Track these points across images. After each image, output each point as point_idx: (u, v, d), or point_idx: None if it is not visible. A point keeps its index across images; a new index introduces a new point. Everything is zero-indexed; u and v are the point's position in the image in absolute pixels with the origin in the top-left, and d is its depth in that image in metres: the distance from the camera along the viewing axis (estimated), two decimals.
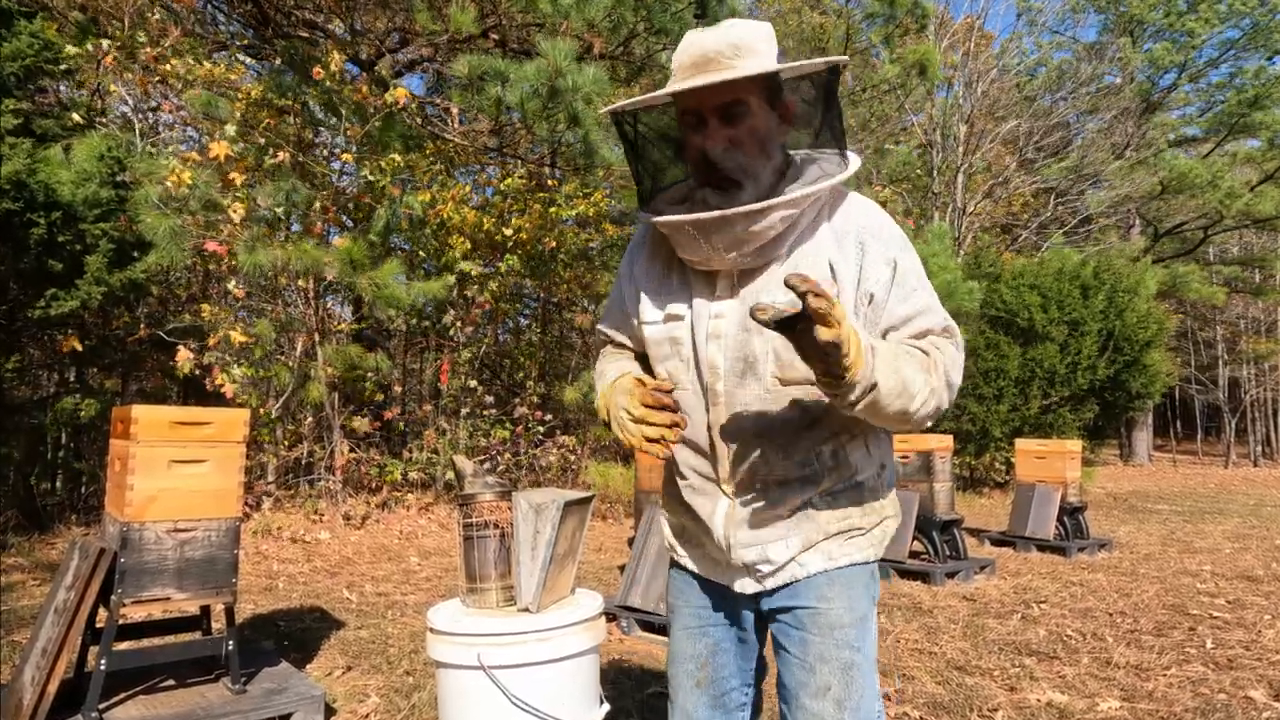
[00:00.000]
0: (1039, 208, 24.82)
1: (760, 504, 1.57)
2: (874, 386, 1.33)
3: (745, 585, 1.64)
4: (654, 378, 1.67)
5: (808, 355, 1.29)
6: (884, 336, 1.52)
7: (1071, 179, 23.05)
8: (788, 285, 1.18)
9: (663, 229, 1.57)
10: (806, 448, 1.55)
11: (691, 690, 1.72)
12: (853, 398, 1.33)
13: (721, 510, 1.60)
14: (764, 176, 1.49)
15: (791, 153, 1.60)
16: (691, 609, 1.75)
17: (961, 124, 20.56)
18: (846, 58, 1.55)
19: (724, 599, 1.72)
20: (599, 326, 1.87)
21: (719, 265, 1.54)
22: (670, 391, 1.48)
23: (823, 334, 1.21)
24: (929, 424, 1.52)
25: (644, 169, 1.66)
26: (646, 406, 1.46)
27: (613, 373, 1.68)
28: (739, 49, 1.44)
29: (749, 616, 1.72)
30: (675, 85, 1.45)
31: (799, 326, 1.24)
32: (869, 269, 1.51)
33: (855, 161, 1.53)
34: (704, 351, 1.56)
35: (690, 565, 1.75)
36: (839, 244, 1.53)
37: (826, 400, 1.47)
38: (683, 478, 1.66)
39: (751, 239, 1.48)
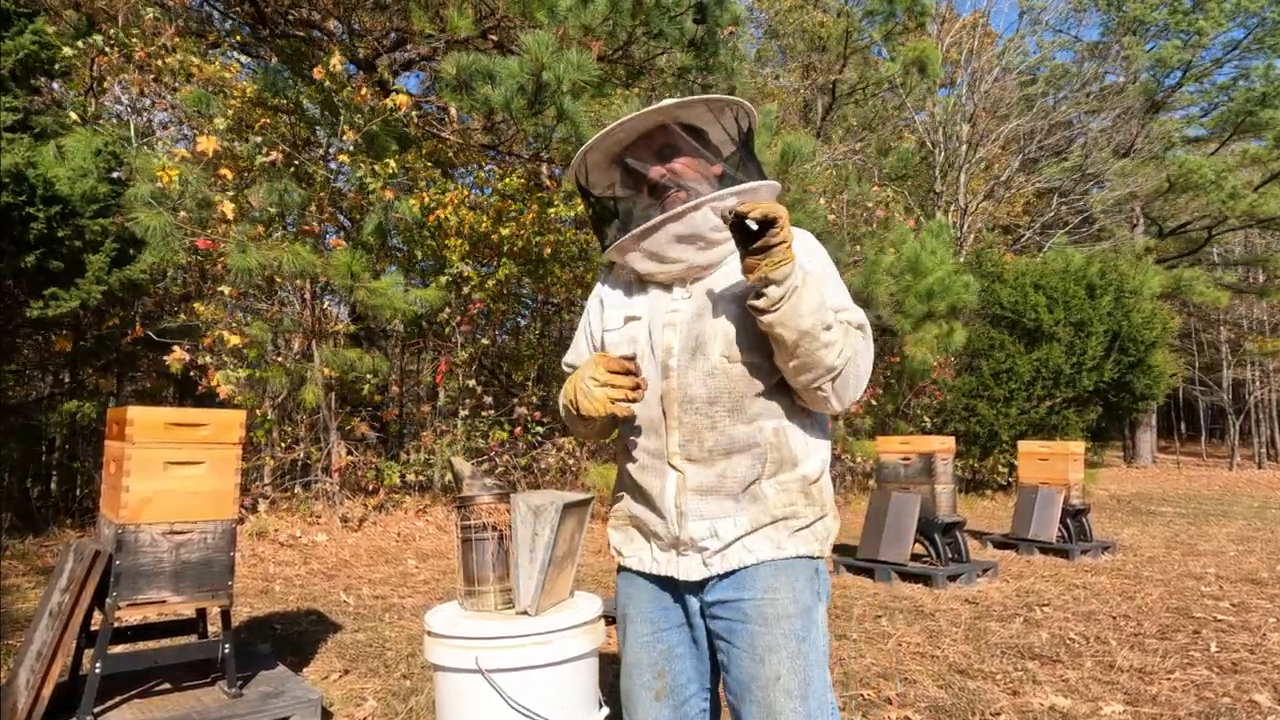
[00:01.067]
0: (1041, 208, 24.82)
1: (707, 475, 1.69)
2: (796, 289, 1.53)
3: (692, 569, 1.71)
4: None
5: (752, 249, 1.50)
6: None
7: (1074, 179, 23.06)
8: (723, 216, 1.52)
9: (616, 253, 1.82)
10: (751, 419, 1.69)
11: (650, 704, 1.75)
12: (778, 292, 1.52)
13: (671, 482, 1.71)
14: (700, 189, 1.74)
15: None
16: (643, 616, 1.80)
17: (964, 123, 20.57)
18: (750, 107, 1.82)
19: (673, 597, 1.78)
20: (565, 361, 2.04)
21: (676, 273, 1.78)
22: (633, 358, 1.69)
23: (762, 210, 1.46)
24: (832, 402, 1.67)
25: (604, 221, 1.92)
26: (610, 372, 1.65)
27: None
28: (662, 106, 1.75)
29: (697, 611, 1.76)
30: (615, 124, 1.77)
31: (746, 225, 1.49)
32: None
33: (774, 182, 1.80)
34: (659, 336, 1.76)
35: (636, 565, 1.82)
36: None
37: (769, 381, 1.71)
38: (633, 460, 1.79)
39: (692, 239, 1.71)
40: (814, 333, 1.56)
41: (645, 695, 1.75)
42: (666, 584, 1.78)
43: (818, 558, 1.73)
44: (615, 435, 1.93)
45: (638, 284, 1.89)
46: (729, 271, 1.76)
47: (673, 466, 1.71)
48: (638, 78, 9.26)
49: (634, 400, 1.65)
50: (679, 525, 1.69)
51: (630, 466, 1.80)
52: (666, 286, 1.83)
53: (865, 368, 1.69)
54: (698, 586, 1.73)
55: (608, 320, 1.89)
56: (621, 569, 1.88)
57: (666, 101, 1.76)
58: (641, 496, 1.78)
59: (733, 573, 1.68)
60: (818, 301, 1.57)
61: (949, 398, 13.39)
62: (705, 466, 1.69)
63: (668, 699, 1.74)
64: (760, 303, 1.55)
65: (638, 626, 1.81)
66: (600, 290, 2.00)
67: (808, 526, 1.71)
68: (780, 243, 1.50)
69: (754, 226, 1.48)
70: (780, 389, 1.72)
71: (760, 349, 1.68)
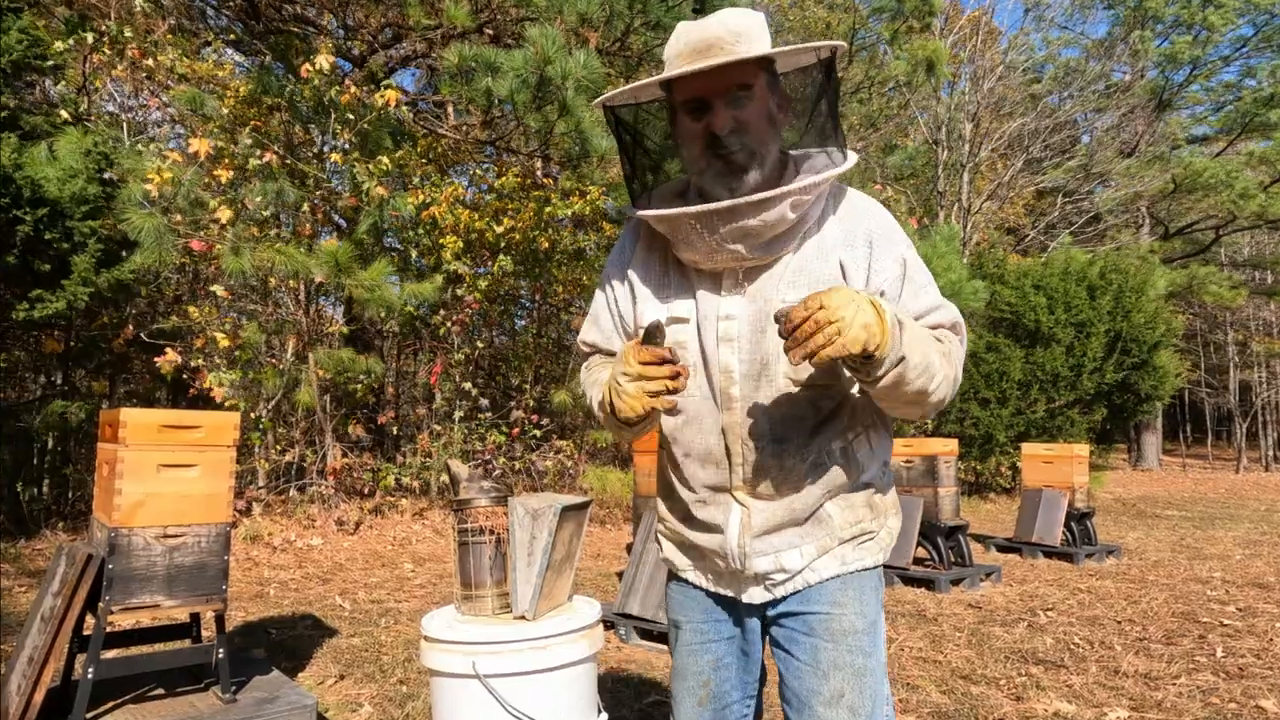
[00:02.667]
0: (1045, 209, 24.84)
1: (776, 510, 1.56)
2: (902, 360, 1.34)
3: (755, 595, 1.63)
4: None
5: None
6: None
7: (1079, 178, 23.07)
8: (779, 331, 1.30)
9: (661, 225, 1.56)
10: (819, 446, 1.55)
11: (693, 709, 1.72)
12: (880, 372, 1.34)
13: (735, 520, 1.58)
14: (769, 164, 1.49)
15: (790, 148, 1.61)
16: (693, 625, 1.73)
17: (967, 122, 20.59)
18: (844, 44, 1.52)
19: (728, 610, 1.71)
20: (581, 339, 1.83)
21: (723, 263, 1.54)
22: (660, 330, 1.44)
23: (825, 354, 1.26)
24: (934, 415, 1.56)
25: (637, 164, 1.64)
26: (644, 364, 1.41)
27: (603, 375, 1.67)
28: (739, 35, 1.44)
29: (754, 626, 1.70)
30: (682, 69, 1.43)
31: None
32: (878, 266, 1.53)
33: (853, 157, 1.53)
34: (716, 355, 1.55)
35: (693, 578, 1.72)
36: (848, 242, 1.54)
37: (838, 397, 1.54)
38: (691, 491, 1.64)
39: (761, 231, 1.47)
40: (924, 389, 1.41)
41: (689, 701, 1.73)
42: (722, 598, 1.70)
43: (880, 566, 1.67)
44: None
45: (676, 264, 1.64)
46: (794, 266, 1.54)
47: (737, 501, 1.58)
48: (636, 70, 9.27)
49: (675, 390, 1.42)
50: (743, 563, 1.59)
51: (685, 495, 1.65)
52: (713, 277, 1.58)
53: (960, 374, 1.53)
54: (759, 607, 1.66)
55: (643, 311, 1.65)
56: (676, 576, 1.79)
57: (744, 30, 1.45)
58: (700, 527, 1.65)
59: (804, 589, 1.61)
60: (924, 359, 1.38)
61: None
62: (773, 502, 1.56)
63: (710, 704, 1.72)
64: (862, 379, 1.39)
65: (687, 635, 1.74)
66: (627, 256, 1.73)
67: (874, 538, 1.64)
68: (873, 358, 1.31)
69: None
70: (848, 402, 1.58)
71: (833, 370, 1.52)
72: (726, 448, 1.57)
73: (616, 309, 1.74)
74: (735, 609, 1.70)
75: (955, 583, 6.41)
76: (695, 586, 1.73)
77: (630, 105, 1.61)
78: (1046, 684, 4.05)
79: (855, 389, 1.58)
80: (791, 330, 1.28)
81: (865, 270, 1.53)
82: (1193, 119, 26.58)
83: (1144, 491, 16.60)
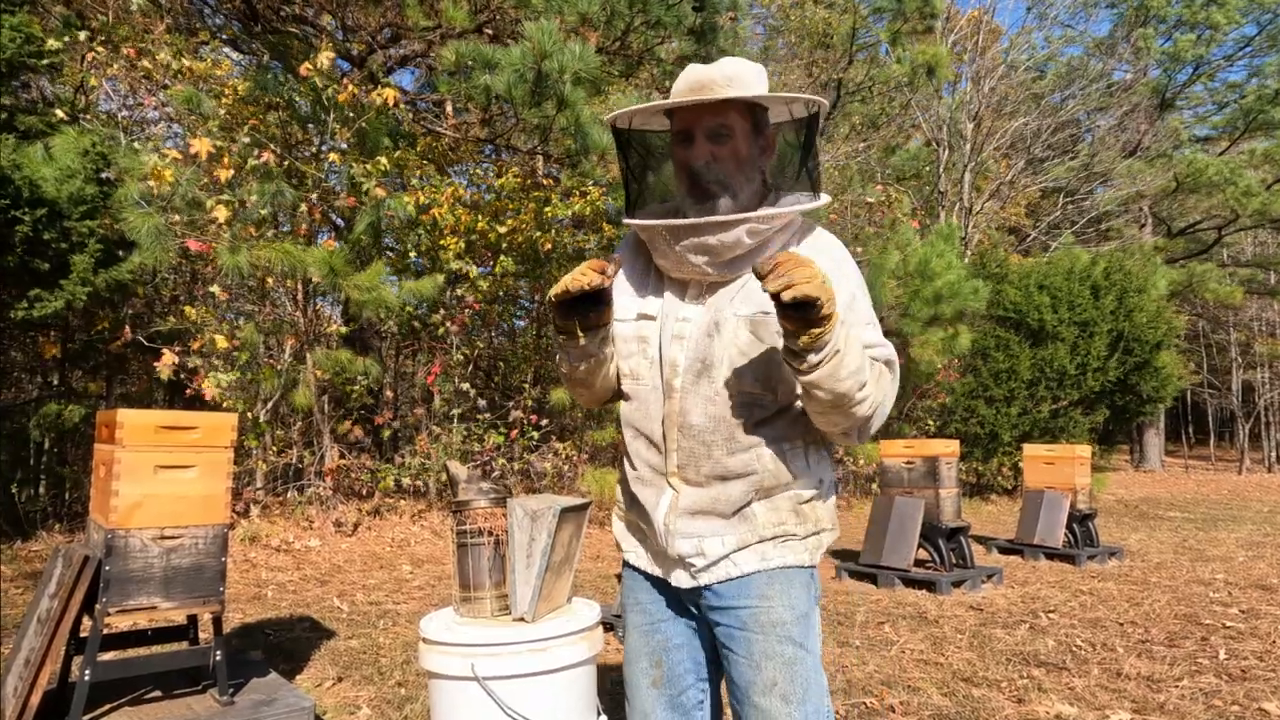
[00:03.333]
0: (1048, 209, 24.85)
1: (701, 497, 1.71)
2: (838, 353, 1.49)
3: (680, 579, 1.76)
4: (618, 375, 1.86)
5: (786, 314, 1.44)
6: None
7: (1081, 177, 23.09)
8: (754, 272, 1.43)
9: (640, 231, 1.79)
10: (750, 446, 1.69)
11: (648, 690, 1.82)
12: (817, 358, 1.48)
13: (665, 500, 1.74)
14: (741, 195, 1.69)
15: (772, 186, 1.79)
16: (640, 607, 1.86)
17: (969, 121, 20.59)
18: (825, 101, 1.72)
19: (669, 593, 1.83)
20: None
21: (689, 273, 1.74)
22: (617, 264, 1.62)
23: (798, 289, 1.38)
24: (852, 439, 1.68)
25: (634, 179, 1.84)
26: (589, 267, 1.60)
27: None
28: (731, 80, 1.64)
29: (695, 610, 1.81)
30: (671, 101, 1.67)
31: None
32: None
33: (823, 198, 1.73)
34: (668, 350, 1.75)
35: (635, 561, 1.87)
36: None
37: (771, 407, 1.69)
38: (634, 469, 1.81)
39: (720, 250, 1.67)
40: (850, 394, 1.54)
41: (643, 682, 1.82)
42: (662, 582, 1.82)
43: (809, 566, 1.76)
44: (617, 405, 1.92)
45: (655, 272, 1.85)
46: (749, 286, 1.72)
47: (670, 485, 1.74)
48: (636, 69, 9.27)
49: (589, 283, 1.58)
50: (667, 542, 1.73)
51: (630, 474, 1.83)
52: (681, 285, 1.79)
53: (890, 406, 1.68)
54: (692, 592, 1.78)
55: (619, 307, 1.83)
56: (624, 563, 1.93)
57: (740, 77, 1.66)
58: (637, 506, 1.81)
59: (725, 581, 1.72)
60: (857, 363, 1.54)
61: (950, 399, 13.41)
62: (700, 489, 1.71)
63: (665, 688, 1.81)
64: (797, 364, 1.52)
65: (636, 617, 1.87)
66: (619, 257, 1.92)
67: (799, 540, 1.75)
68: (822, 319, 1.44)
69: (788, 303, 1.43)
70: (786, 415, 1.72)
71: (767, 382, 1.69)
72: (664, 433, 1.74)
73: None
74: (674, 594, 1.82)
75: (956, 584, 6.41)
76: (639, 571, 1.87)
77: (638, 129, 1.83)
78: (1048, 686, 4.05)
79: (796, 404, 1.71)
80: (772, 266, 1.41)
81: None
82: (1196, 118, 26.59)
83: (1146, 493, 16.60)
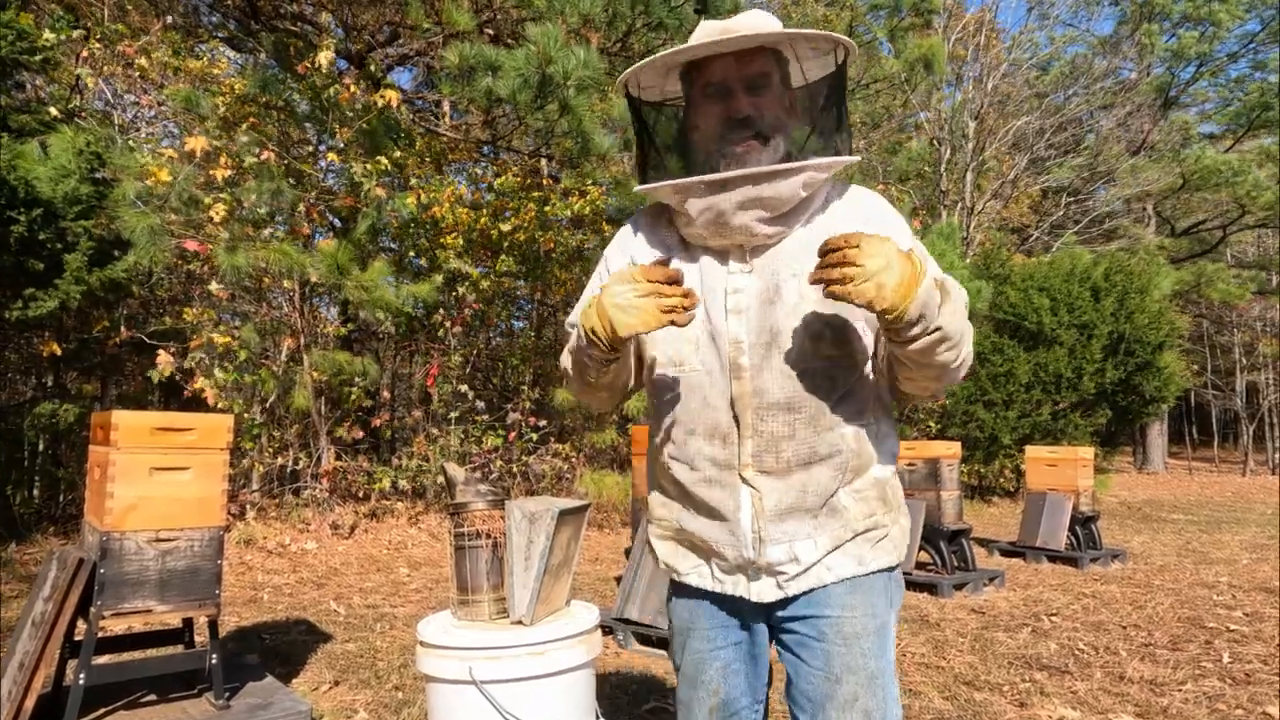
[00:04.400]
0: (1051, 208, 24.86)
1: (787, 490, 1.55)
2: (938, 329, 1.39)
3: (765, 592, 1.60)
4: (647, 370, 1.68)
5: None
6: None
7: (1085, 176, 23.10)
8: (813, 282, 1.36)
9: (670, 196, 1.58)
10: (832, 424, 1.55)
11: (705, 717, 1.71)
12: (909, 334, 1.38)
13: (746, 502, 1.56)
14: (782, 146, 1.54)
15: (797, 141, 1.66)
16: (700, 632, 1.71)
17: (971, 120, 20.60)
18: (854, 42, 1.55)
19: (734, 614, 1.69)
20: (569, 321, 1.78)
21: (730, 237, 1.56)
22: (668, 263, 1.47)
23: (834, 290, 1.33)
24: (939, 395, 1.59)
25: (651, 146, 1.66)
26: (652, 280, 1.41)
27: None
28: (758, 28, 1.49)
29: (761, 629, 1.68)
30: (701, 48, 1.49)
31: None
32: None
33: (856, 156, 1.59)
34: (724, 327, 1.56)
35: (697, 581, 1.69)
36: (858, 223, 1.58)
37: (854, 372, 1.56)
38: (694, 470, 1.60)
39: (775, 204, 1.50)
40: (948, 364, 1.45)
41: (700, 710, 1.71)
42: (729, 600, 1.67)
43: (895, 567, 1.66)
44: (644, 404, 1.75)
45: (681, 245, 1.66)
46: (801, 241, 1.57)
47: (745, 481, 1.56)
48: None
49: (689, 308, 1.42)
50: (756, 550, 1.56)
51: (686, 476, 1.62)
52: (720, 254, 1.61)
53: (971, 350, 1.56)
54: (766, 609, 1.65)
55: None
56: (677, 583, 1.76)
57: (764, 27, 1.50)
58: (705, 512, 1.62)
59: (809, 591, 1.59)
60: (957, 333, 1.42)
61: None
62: (782, 480, 1.55)
63: (719, 712, 1.71)
64: (890, 334, 1.42)
65: (696, 643, 1.72)
66: (628, 242, 1.75)
67: (888, 535, 1.63)
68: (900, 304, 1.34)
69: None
70: (863, 383, 1.60)
71: (844, 343, 1.55)
72: (735, 418, 1.55)
73: None
74: (741, 612, 1.68)
75: (958, 587, 6.41)
76: (699, 591, 1.70)
77: (650, 86, 1.66)
78: (1051, 690, 4.05)
79: (868, 368, 1.60)
80: (823, 254, 1.35)
81: None
82: (1200, 116, 26.61)
83: (1149, 495, 16.61)
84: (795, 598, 1.60)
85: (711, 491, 1.59)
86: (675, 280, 1.42)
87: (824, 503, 1.56)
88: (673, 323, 1.42)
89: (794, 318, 1.53)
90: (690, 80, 1.59)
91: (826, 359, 1.54)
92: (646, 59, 1.56)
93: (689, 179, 1.52)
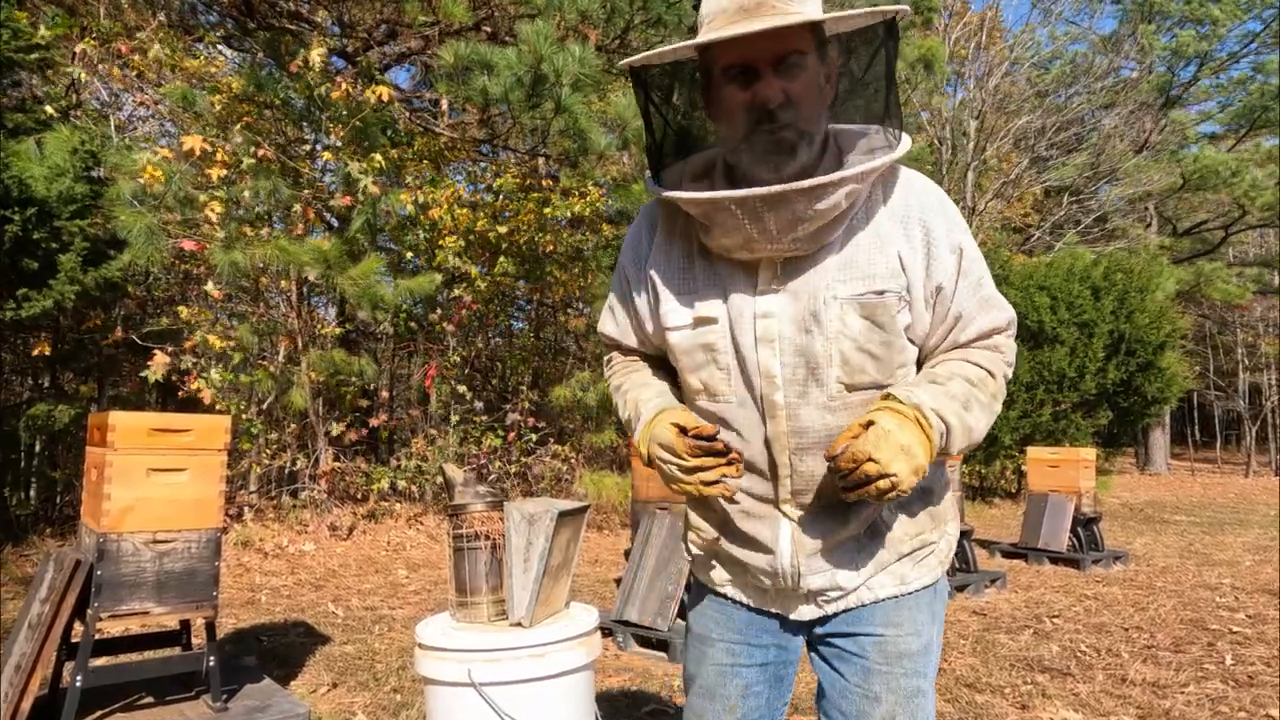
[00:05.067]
0: (1052, 207, 24.87)
1: (828, 523, 1.46)
2: (943, 450, 1.37)
3: (805, 613, 1.54)
4: (681, 388, 1.59)
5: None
6: (954, 327, 1.46)
7: (1087, 176, 23.11)
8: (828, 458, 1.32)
9: (693, 209, 1.39)
10: None
11: None
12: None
13: (785, 535, 1.48)
14: (816, 144, 1.37)
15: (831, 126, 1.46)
16: (726, 644, 1.62)
17: (972, 119, 20.61)
18: (906, 7, 1.36)
19: (768, 630, 1.60)
20: (601, 330, 1.70)
21: (763, 251, 1.38)
22: (715, 435, 1.39)
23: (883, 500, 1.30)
24: None
25: (663, 138, 1.48)
26: (695, 456, 1.37)
27: (636, 396, 1.60)
28: (789, 2, 1.29)
29: (796, 645, 1.62)
30: (725, 31, 1.27)
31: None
32: (935, 256, 1.41)
33: (907, 140, 1.38)
34: (754, 358, 1.42)
35: (729, 591, 1.61)
36: (905, 230, 1.41)
37: None
38: (733, 501, 1.50)
39: (812, 219, 1.32)
40: (962, 449, 1.41)
41: None
42: (765, 616, 1.59)
43: (941, 579, 1.60)
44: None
45: (701, 253, 1.48)
46: (843, 257, 1.40)
47: (783, 514, 1.48)
48: None
49: (733, 477, 1.39)
50: (795, 581, 1.49)
51: (729, 508, 1.53)
52: (747, 268, 1.43)
53: (1002, 394, 1.50)
54: (807, 624, 1.57)
55: (667, 311, 1.50)
56: (703, 586, 1.69)
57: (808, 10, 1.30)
58: (743, 541, 1.54)
59: (854, 609, 1.53)
60: (965, 436, 1.39)
61: None
62: (824, 514, 1.46)
63: None
64: None
65: (719, 654, 1.62)
66: (644, 246, 1.57)
67: (933, 550, 1.56)
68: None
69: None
70: None
71: (889, 365, 1.42)
72: (772, 459, 1.45)
73: (632, 303, 1.60)
74: (776, 628, 1.60)
75: (959, 589, 6.41)
76: (735, 602, 1.62)
77: (660, 70, 1.45)
78: (1052, 692, 4.05)
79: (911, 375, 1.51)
80: (843, 477, 1.30)
81: (924, 261, 1.40)
82: (1201, 115, 26.63)
83: (1151, 496, 16.61)
84: (838, 614, 1.54)
85: (750, 523, 1.51)
86: (717, 451, 1.38)
87: (866, 527, 1.49)
88: (712, 494, 1.40)
89: (837, 345, 1.38)
90: (709, 54, 1.37)
91: (872, 388, 1.42)
92: (651, 52, 1.38)
93: (717, 195, 1.33)
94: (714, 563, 1.63)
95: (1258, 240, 27.19)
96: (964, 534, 6.81)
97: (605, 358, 1.77)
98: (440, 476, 8.86)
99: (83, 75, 8.05)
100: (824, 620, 1.55)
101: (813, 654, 1.62)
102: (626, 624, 4.74)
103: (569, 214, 10.28)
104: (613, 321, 1.67)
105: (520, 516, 2.44)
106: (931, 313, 1.44)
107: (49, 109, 7.49)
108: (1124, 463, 23.41)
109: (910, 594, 1.52)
